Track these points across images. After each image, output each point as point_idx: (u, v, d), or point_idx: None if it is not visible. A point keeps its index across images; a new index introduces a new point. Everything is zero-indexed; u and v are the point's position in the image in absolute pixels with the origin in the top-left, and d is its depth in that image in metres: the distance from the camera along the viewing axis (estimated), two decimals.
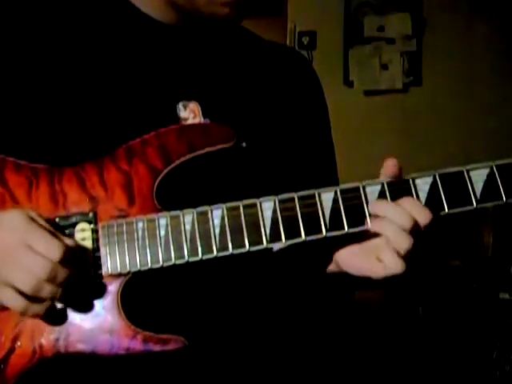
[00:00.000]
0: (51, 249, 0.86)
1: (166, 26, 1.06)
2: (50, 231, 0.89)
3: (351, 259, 0.99)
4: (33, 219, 0.89)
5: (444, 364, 2.70)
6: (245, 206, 0.92)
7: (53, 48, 1.02)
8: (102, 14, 1.06)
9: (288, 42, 3.63)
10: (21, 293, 0.86)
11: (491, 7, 3.52)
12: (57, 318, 0.92)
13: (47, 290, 0.87)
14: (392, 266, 0.92)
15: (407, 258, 0.92)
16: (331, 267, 1.05)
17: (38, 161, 0.97)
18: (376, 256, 0.95)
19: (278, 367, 1.13)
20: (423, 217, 0.91)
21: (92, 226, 0.94)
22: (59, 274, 0.86)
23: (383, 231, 0.92)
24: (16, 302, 0.87)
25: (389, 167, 0.93)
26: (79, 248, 0.92)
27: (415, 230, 0.91)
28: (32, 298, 0.87)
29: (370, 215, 0.92)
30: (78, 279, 0.90)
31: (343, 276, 1.03)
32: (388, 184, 0.93)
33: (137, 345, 0.92)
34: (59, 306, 0.92)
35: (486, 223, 3.10)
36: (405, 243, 0.91)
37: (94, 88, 1.01)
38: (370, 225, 0.92)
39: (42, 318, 0.90)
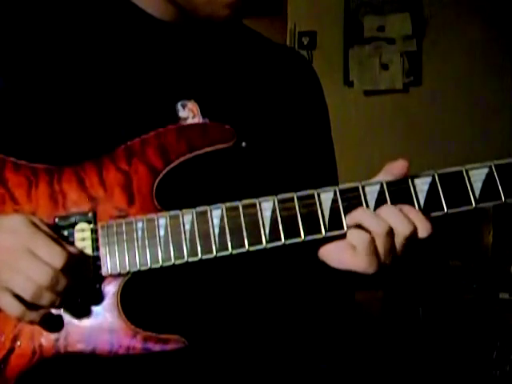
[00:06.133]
0: (54, 256, 0.86)
1: (164, 23, 1.06)
2: (52, 237, 0.89)
3: (340, 256, 0.96)
4: (35, 224, 0.89)
5: (444, 364, 2.70)
6: (244, 206, 0.92)
7: (51, 47, 1.02)
8: (100, 11, 1.06)
9: (288, 42, 3.63)
10: (19, 298, 0.86)
11: (491, 7, 3.52)
12: (54, 324, 0.92)
13: (47, 298, 0.86)
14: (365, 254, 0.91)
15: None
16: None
17: (37, 161, 0.97)
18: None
19: (278, 367, 1.13)
20: (423, 227, 0.91)
21: (91, 225, 0.94)
22: (60, 282, 0.86)
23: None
24: (13, 308, 0.87)
25: (397, 168, 0.92)
26: (81, 255, 0.91)
27: (412, 238, 0.91)
28: (30, 305, 0.87)
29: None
30: (78, 286, 0.90)
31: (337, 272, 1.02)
32: (387, 184, 0.92)
33: (137, 345, 0.92)
34: (56, 312, 0.92)
35: (486, 223, 3.10)
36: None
37: (92, 87, 1.01)
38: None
39: (39, 323, 0.90)
